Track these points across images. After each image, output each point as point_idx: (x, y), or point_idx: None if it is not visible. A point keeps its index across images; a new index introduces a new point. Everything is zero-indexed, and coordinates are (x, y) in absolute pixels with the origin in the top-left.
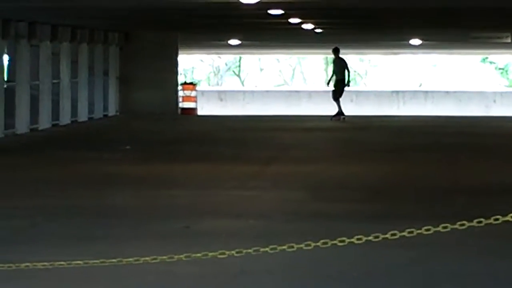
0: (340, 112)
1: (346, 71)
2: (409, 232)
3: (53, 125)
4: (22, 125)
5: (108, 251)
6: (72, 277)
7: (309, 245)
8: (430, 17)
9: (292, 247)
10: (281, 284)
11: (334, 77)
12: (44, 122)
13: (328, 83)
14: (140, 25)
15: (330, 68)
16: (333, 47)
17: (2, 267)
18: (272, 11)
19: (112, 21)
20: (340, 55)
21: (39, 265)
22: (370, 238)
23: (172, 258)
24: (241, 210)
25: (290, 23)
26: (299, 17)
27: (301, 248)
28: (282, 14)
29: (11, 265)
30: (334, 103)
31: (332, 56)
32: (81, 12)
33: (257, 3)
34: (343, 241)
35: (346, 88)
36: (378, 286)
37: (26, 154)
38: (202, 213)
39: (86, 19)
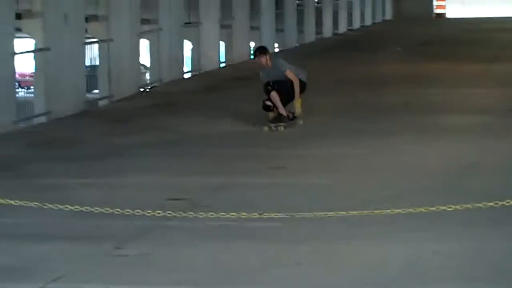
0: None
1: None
2: None
3: (348, 30)
4: (327, 32)
5: (373, 144)
6: (341, 160)
7: None
8: None
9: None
10: (502, 170)
11: None
12: (342, 28)
13: None
14: None
15: None
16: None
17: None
18: None
19: None
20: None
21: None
22: None
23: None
24: (472, 107)
25: None
26: None
27: None
28: None
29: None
30: None
31: None
32: None
33: None
34: None
35: None
36: None
37: (330, 54)
38: (444, 110)
39: None
